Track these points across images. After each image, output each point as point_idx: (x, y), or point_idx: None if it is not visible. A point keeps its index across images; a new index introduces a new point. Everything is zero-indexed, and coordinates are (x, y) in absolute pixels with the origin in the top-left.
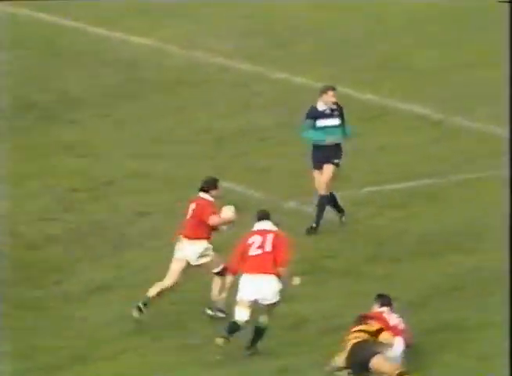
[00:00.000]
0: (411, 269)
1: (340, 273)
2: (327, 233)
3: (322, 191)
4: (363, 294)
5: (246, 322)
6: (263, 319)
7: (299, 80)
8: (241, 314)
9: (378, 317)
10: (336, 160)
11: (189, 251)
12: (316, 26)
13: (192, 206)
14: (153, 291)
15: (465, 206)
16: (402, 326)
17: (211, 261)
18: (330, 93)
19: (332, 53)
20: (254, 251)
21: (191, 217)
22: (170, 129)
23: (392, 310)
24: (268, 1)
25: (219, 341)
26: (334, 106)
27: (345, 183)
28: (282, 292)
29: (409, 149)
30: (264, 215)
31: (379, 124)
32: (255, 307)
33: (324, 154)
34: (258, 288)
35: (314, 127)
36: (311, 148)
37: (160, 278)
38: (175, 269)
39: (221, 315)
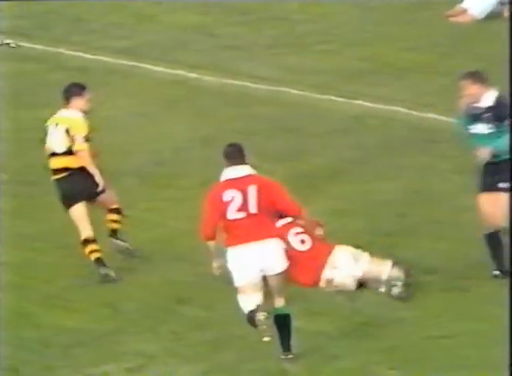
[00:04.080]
0: None
1: None
2: None
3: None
4: None
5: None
6: (279, 304)
7: None
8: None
9: None
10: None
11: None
12: None
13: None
14: None
15: None
16: None
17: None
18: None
19: None
20: (233, 215)
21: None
22: None
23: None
24: None
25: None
26: (483, 104)
27: None
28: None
29: None
30: (236, 154)
31: None
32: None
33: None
34: (259, 258)
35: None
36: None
37: None
38: None
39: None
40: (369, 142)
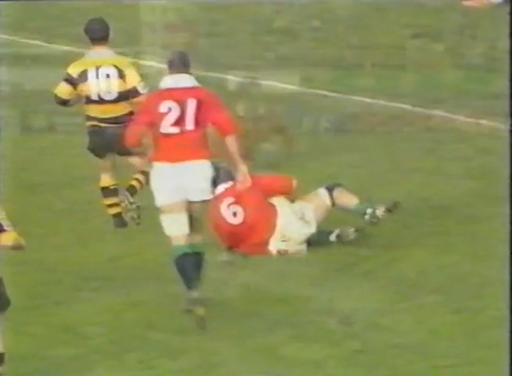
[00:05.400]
0: None
1: None
2: None
3: None
4: None
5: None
6: (196, 240)
7: None
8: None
9: None
10: None
11: None
12: None
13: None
14: None
15: None
16: None
17: None
18: None
19: None
20: (167, 128)
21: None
22: None
23: None
24: None
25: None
26: None
27: None
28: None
29: None
30: (179, 61)
31: None
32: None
33: None
34: (185, 179)
35: None
36: None
37: None
38: None
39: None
40: (368, 143)
